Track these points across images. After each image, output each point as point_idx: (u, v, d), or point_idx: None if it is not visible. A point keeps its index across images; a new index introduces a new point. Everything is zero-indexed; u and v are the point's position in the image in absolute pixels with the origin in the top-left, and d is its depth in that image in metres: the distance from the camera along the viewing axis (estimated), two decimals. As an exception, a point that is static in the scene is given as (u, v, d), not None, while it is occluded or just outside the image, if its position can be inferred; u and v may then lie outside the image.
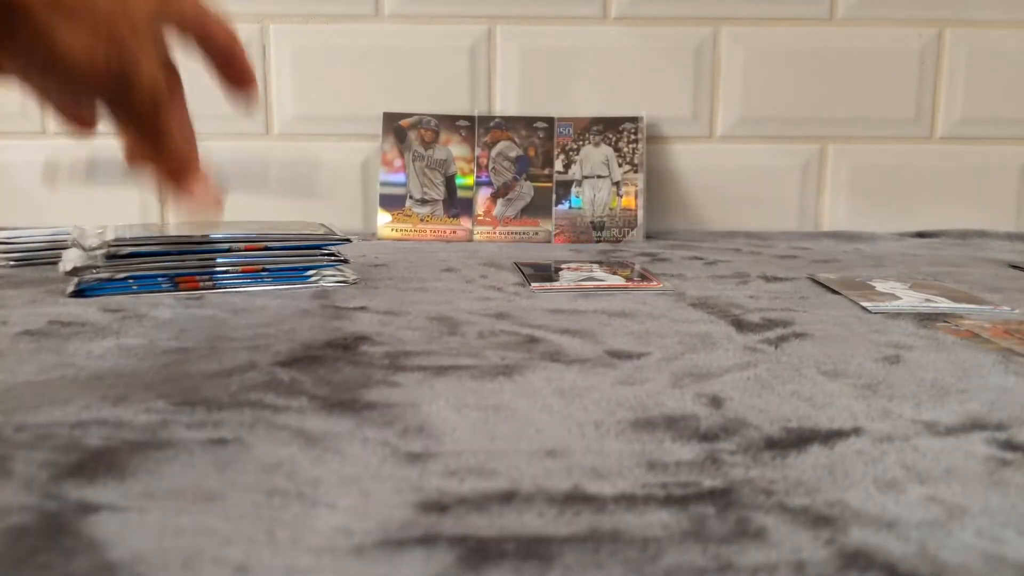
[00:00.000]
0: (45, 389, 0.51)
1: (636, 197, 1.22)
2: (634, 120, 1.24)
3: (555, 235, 1.21)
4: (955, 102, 1.29)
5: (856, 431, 0.45)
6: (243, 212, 1.28)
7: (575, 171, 1.23)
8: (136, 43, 0.46)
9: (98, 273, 0.78)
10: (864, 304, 0.77)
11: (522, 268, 0.95)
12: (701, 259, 1.04)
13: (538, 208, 1.22)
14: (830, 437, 0.45)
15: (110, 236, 0.79)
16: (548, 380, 0.54)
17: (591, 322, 0.70)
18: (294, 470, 0.40)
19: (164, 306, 0.74)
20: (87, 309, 0.72)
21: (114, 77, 0.46)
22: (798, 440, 0.44)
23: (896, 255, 1.09)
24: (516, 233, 1.21)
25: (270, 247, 0.83)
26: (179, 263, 0.80)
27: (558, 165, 1.23)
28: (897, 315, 0.73)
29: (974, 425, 0.46)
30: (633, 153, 1.23)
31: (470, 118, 1.24)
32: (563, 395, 0.51)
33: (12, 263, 0.94)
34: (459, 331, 0.66)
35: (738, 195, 1.30)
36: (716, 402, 0.50)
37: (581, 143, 1.24)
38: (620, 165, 1.23)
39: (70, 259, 0.79)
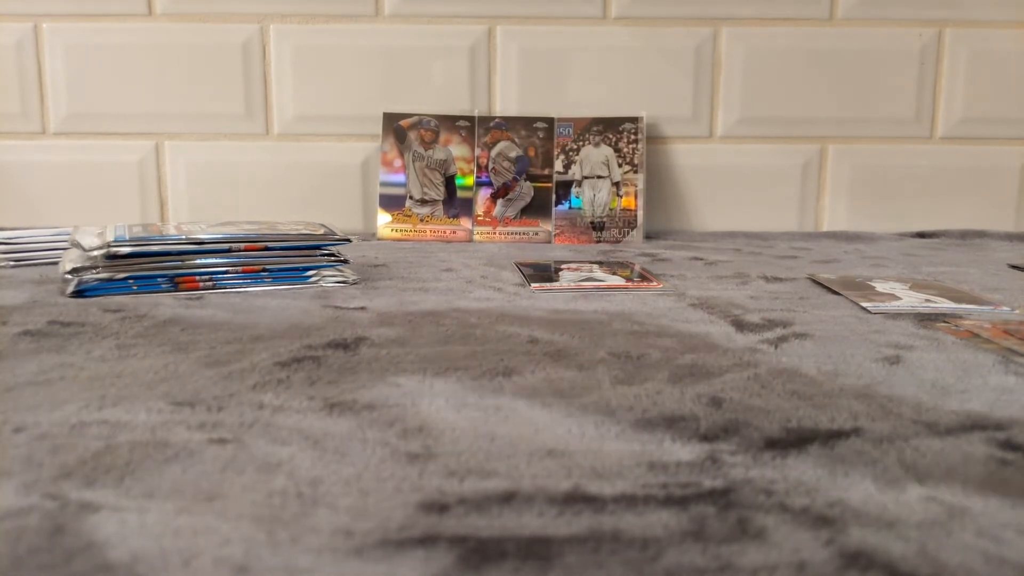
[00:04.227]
0: (45, 389, 0.51)
1: (636, 197, 1.22)
2: (634, 120, 1.24)
3: (555, 235, 1.21)
4: (955, 102, 1.29)
5: (856, 431, 0.45)
6: (243, 212, 1.29)
7: (575, 171, 1.23)
8: None
9: (98, 273, 0.78)
10: (864, 304, 0.77)
11: (522, 268, 0.95)
12: (701, 259, 1.04)
13: (538, 208, 1.22)
14: (830, 437, 0.44)
15: (110, 236, 0.79)
16: (548, 380, 0.54)
17: (591, 322, 0.70)
18: (294, 470, 0.40)
19: (164, 306, 0.74)
20: (87, 309, 0.72)
21: None
22: (798, 440, 0.44)
23: (896, 255, 1.09)
24: (516, 233, 1.21)
25: (270, 247, 0.83)
26: (179, 263, 0.80)
27: (558, 165, 1.23)
28: (897, 315, 0.73)
29: (974, 425, 0.46)
30: (633, 153, 1.23)
31: (470, 118, 1.24)
32: (563, 395, 0.51)
33: (12, 263, 0.94)
34: (459, 331, 0.66)
35: (738, 195, 1.30)
36: (716, 402, 0.50)
37: (581, 143, 1.23)
38: (620, 165, 1.23)
39: (70, 259, 0.79)
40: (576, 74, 1.27)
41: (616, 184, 1.22)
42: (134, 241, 0.78)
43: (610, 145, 1.23)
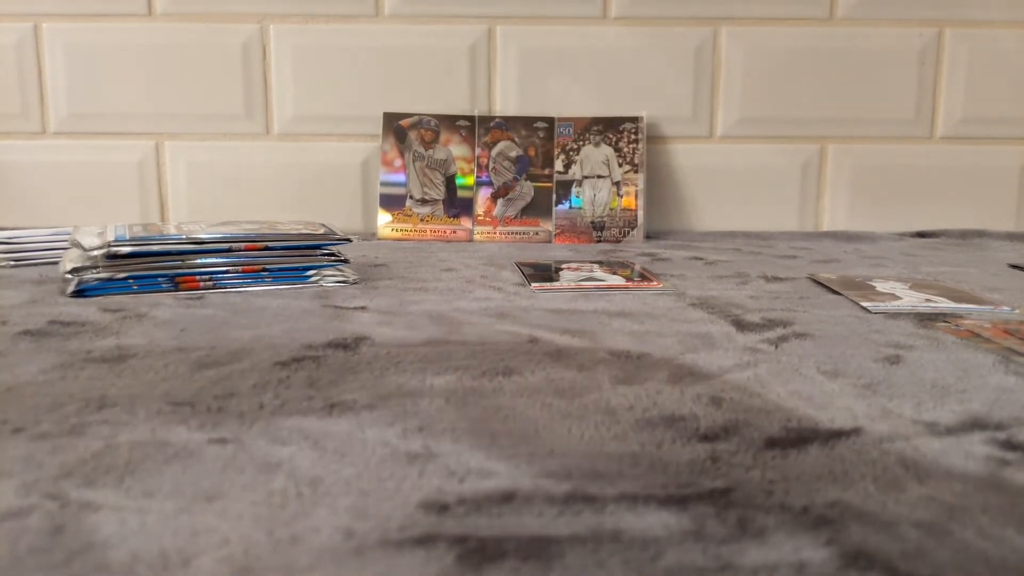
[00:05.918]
0: (45, 389, 0.51)
1: (636, 197, 1.22)
2: (634, 120, 1.24)
3: (555, 235, 1.21)
4: (955, 102, 1.29)
5: (856, 431, 0.45)
6: (243, 212, 1.29)
7: (575, 171, 1.23)
8: None
9: (98, 273, 0.78)
10: (864, 304, 0.77)
11: (522, 268, 0.95)
12: (701, 259, 1.04)
13: (538, 208, 1.22)
14: (830, 437, 0.44)
15: (110, 236, 0.79)
16: (548, 380, 0.54)
17: (591, 322, 0.70)
18: (294, 470, 0.40)
19: (164, 306, 0.74)
20: (87, 309, 0.72)
21: None
22: (798, 440, 0.44)
23: (896, 255, 1.09)
24: (516, 233, 1.21)
25: (270, 247, 0.83)
26: (179, 263, 0.80)
27: (558, 165, 1.23)
28: (897, 315, 0.73)
29: (974, 425, 0.46)
30: (633, 153, 1.23)
31: (470, 118, 1.24)
32: (563, 395, 0.51)
33: (12, 263, 0.93)
34: (459, 331, 0.66)
35: (738, 195, 1.30)
36: (716, 402, 0.50)
37: (581, 143, 1.23)
38: (620, 165, 1.23)
39: (70, 259, 0.79)
40: (576, 74, 1.27)
41: (616, 184, 1.22)
42: (134, 241, 0.78)
43: (610, 145, 1.23)
